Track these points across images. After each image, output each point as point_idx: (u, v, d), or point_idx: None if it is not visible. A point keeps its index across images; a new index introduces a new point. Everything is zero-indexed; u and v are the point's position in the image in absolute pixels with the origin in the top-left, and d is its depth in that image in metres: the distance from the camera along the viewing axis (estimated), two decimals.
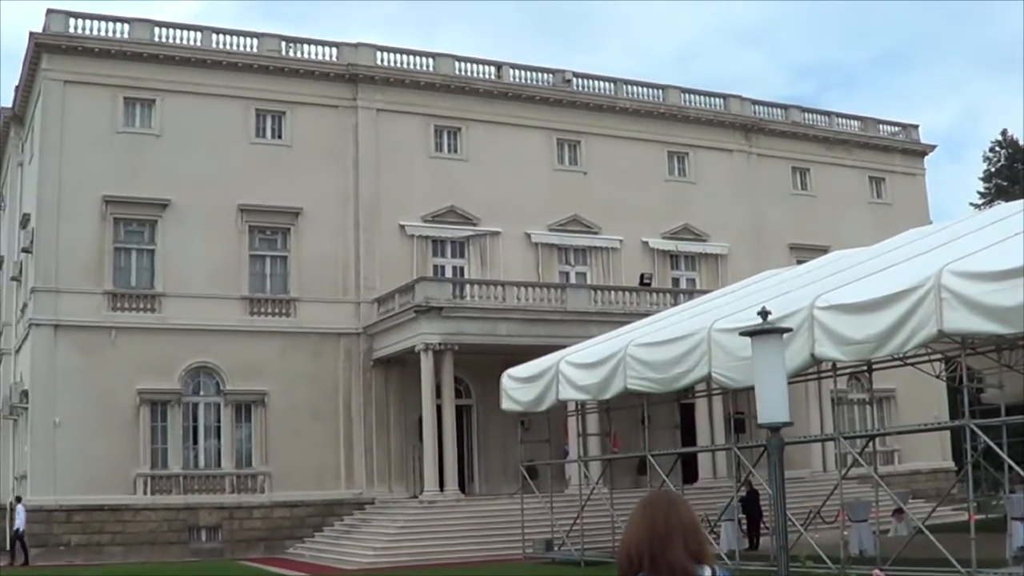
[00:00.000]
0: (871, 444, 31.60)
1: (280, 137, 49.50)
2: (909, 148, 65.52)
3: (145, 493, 44.84)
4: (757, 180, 59.25)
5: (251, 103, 48.91)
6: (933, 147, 66.95)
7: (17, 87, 51.87)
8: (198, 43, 48.75)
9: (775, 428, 11.06)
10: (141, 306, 46.37)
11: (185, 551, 44.36)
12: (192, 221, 46.83)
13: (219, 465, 46.53)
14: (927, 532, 25.44)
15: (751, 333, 11.43)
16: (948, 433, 51.94)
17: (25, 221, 48.33)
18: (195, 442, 46.61)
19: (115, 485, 44.19)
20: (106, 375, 44.59)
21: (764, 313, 11.50)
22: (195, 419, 46.72)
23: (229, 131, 48.25)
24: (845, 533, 30.34)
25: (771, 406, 10.98)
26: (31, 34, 46.74)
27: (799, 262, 46.26)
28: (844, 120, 64.71)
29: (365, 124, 50.59)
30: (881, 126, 65.93)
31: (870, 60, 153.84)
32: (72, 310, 44.86)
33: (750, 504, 36.55)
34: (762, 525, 36.07)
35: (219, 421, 46.84)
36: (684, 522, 5.24)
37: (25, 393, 46.35)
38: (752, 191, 58.76)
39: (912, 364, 32.46)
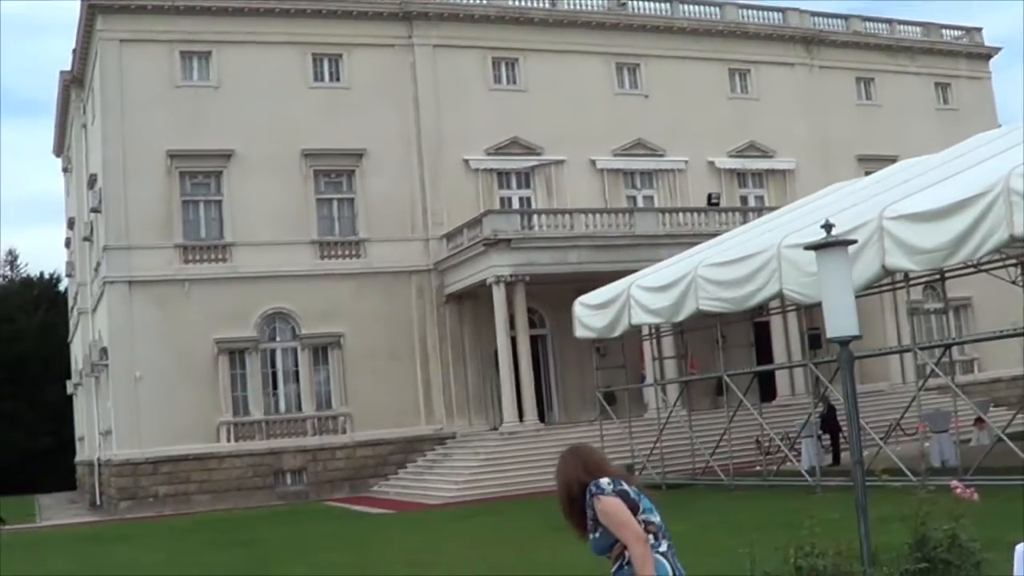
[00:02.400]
0: (948, 354, 31.29)
1: (338, 80, 49.47)
2: (973, 52, 64.57)
3: (228, 440, 45.40)
4: (821, 93, 58.61)
5: (307, 48, 48.89)
6: (998, 49, 65.90)
7: (74, 50, 52.22)
8: None
9: (844, 342, 10.96)
10: (212, 257, 46.75)
11: (271, 495, 44.91)
12: (256, 169, 47.06)
13: (300, 409, 46.99)
14: (1008, 441, 25.27)
15: (815, 247, 11.31)
16: None
17: (92, 181, 48.72)
18: (275, 387, 47.08)
19: (199, 434, 44.79)
20: (183, 327, 45.04)
21: (828, 226, 11.38)
22: (273, 365, 47.15)
23: (287, 78, 48.31)
24: (926, 444, 30.22)
25: (839, 320, 10.87)
26: None
27: (867, 174, 45.75)
28: (906, 27, 63.72)
29: (422, 61, 50.46)
30: (944, 31, 64.94)
31: None
32: (145, 265, 45.30)
33: (829, 420, 36.41)
34: (841, 440, 35.97)
35: (297, 365, 47.25)
36: (581, 456, 7.32)
37: (105, 350, 46.96)
38: (816, 104, 58.17)
39: (986, 271, 32.07)
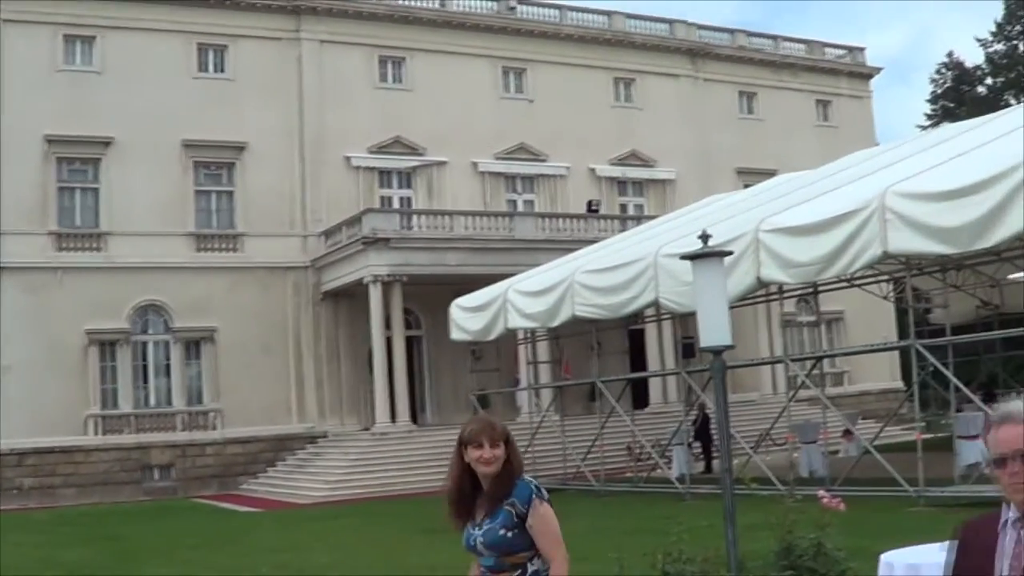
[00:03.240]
0: (820, 366, 31.84)
1: (223, 71, 48.96)
2: (855, 71, 65.57)
3: (96, 434, 44.71)
4: (704, 105, 59.15)
5: (193, 37, 48.28)
6: (879, 69, 67.04)
7: None
8: None
9: (717, 352, 11.06)
10: (87, 245, 46.01)
11: (138, 491, 44.31)
12: (136, 158, 46.37)
13: (170, 403, 46.41)
14: (875, 452, 25.74)
15: (692, 257, 11.41)
16: (897, 354, 52.24)
17: None
18: (145, 381, 46.43)
19: (66, 427, 44.02)
20: (54, 316, 44.25)
21: (704, 236, 11.47)
22: (145, 358, 46.52)
23: (171, 66, 47.65)
24: (795, 455, 30.62)
25: (712, 329, 10.98)
26: None
27: (746, 186, 46.31)
28: (790, 43, 64.59)
29: (309, 56, 50.11)
30: (827, 49, 65.95)
31: None
32: (17, 252, 44.42)
33: (702, 428, 36.73)
34: (712, 448, 36.31)
35: (169, 359, 46.66)
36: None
37: None
38: (699, 116, 58.71)
39: (859, 286, 32.70)
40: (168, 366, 46.59)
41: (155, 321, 46.65)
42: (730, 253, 14.90)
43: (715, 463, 35.24)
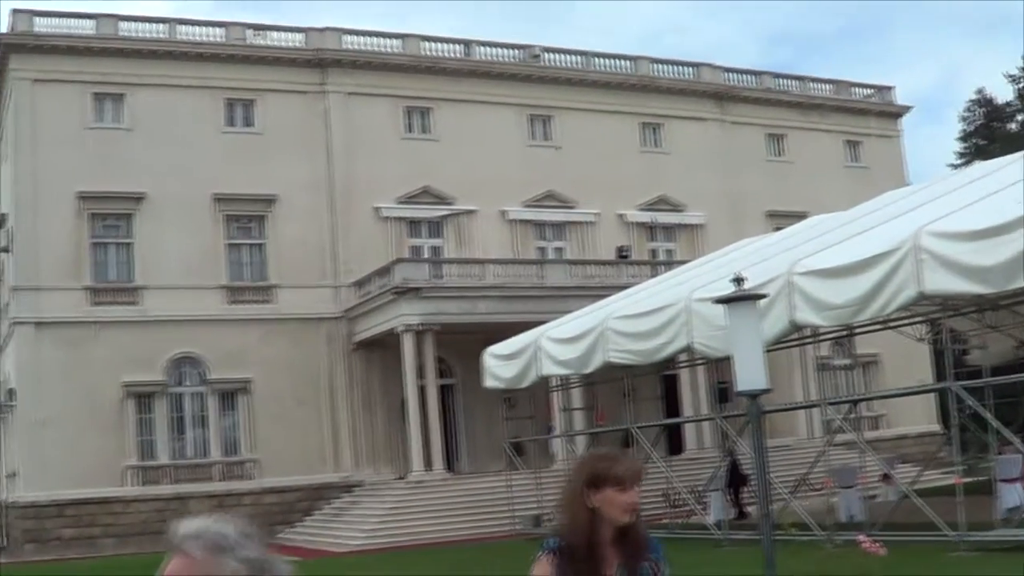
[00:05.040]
0: (856, 409, 31.64)
1: (251, 125, 49.29)
2: (884, 110, 65.42)
3: (134, 484, 44.91)
4: (732, 148, 59.09)
5: (220, 92, 48.67)
6: (908, 108, 66.89)
7: None
8: (164, 35, 48.60)
9: (753, 395, 11.04)
10: (122, 300, 46.29)
11: None
12: (167, 213, 46.68)
13: (207, 454, 46.57)
14: (914, 496, 25.49)
15: (725, 300, 11.40)
16: (935, 396, 51.91)
17: (2, 220, 48.10)
18: (182, 432, 46.60)
19: (105, 478, 44.22)
20: (90, 370, 44.50)
21: (738, 279, 11.47)
22: (181, 409, 46.69)
23: (199, 122, 48.02)
24: (832, 500, 30.44)
25: (748, 373, 10.96)
26: None
27: (777, 229, 46.21)
28: (818, 84, 64.47)
29: (335, 108, 50.38)
30: (855, 89, 65.85)
31: (846, 26, 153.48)
32: (53, 307, 44.79)
33: (732, 474, 36.54)
34: (743, 492, 36.12)
35: (204, 410, 46.83)
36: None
37: (11, 392, 46.34)
38: (727, 160, 58.65)
39: (894, 328, 32.43)
40: (204, 417, 46.74)
41: (190, 373, 46.82)
42: (764, 296, 14.88)
43: (747, 509, 35.10)
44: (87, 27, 47.51)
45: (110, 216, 46.89)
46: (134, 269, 46.74)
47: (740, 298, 11.27)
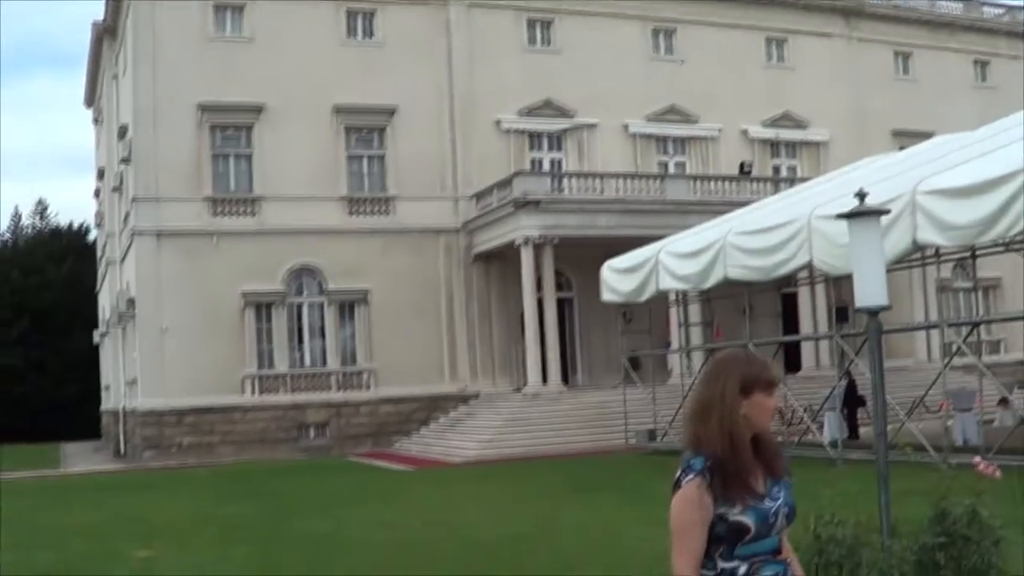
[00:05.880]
0: (976, 333, 31.18)
1: (372, 36, 49.29)
2: (1014, 31, 63.88)
3: (253, 393, 45.64)
4: (858, 65, 58.12)
5: (341, 3, 48.67)
6: None
7: (107, 1, 52.07)
8: None
9: (873, 312, 10.90)
10: (241, 210, 46.79)
11: (294, 448, 45.10)
12: (287, 124, 47.00)
13: (325, 364, 47.16)
14: None
15: (848, 216, 11.25)
16: None
17: (123, 132, 48.73)
18: (300, 342, 47.21)
19: (224, 387, 45.01)
20: (210, 280, 45.18)
21: (862, 195, 11.30)
22: (299, 319, 47.27)
23: (320, 33, 48.14)
24: (948, 423, 30.08)
25: (869, 289, 10.80)
26: None
27: (901, 148, 45.45)
28: (947, 2, 63.05)
29: (457, 19, 50.21)
30: (985, 8, 64.36)
31: None
32: (173, 217, 45.42)
33: (848, 394, 36.21)
34: (859, 413, 35.81)
35: (323, 320, 47.36)
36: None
37: (132, 301, 47.12)
38: (853, 77, 57.73)
39: (1017, 251, 31.86)
40: (323, 327, 47.28)
41: (309, 283, 47.32)
42: (888, 211, 14.63)
43: (862, 431, 34.82)
44: None
45: (230, 127, 47.30)
46: (254, 180, 47.19)
47: (863, 213, 11.11)
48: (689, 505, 4.68)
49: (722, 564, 4.75)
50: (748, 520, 4.72)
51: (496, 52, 50.35)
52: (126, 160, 47.47)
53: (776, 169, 55.23)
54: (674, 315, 41.63)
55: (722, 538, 4.73)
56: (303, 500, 27.72)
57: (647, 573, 9.51)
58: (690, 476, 4.70)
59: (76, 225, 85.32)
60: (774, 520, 4.77)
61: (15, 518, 25.98)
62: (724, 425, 4.75)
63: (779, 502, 4.83)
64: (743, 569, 4.76)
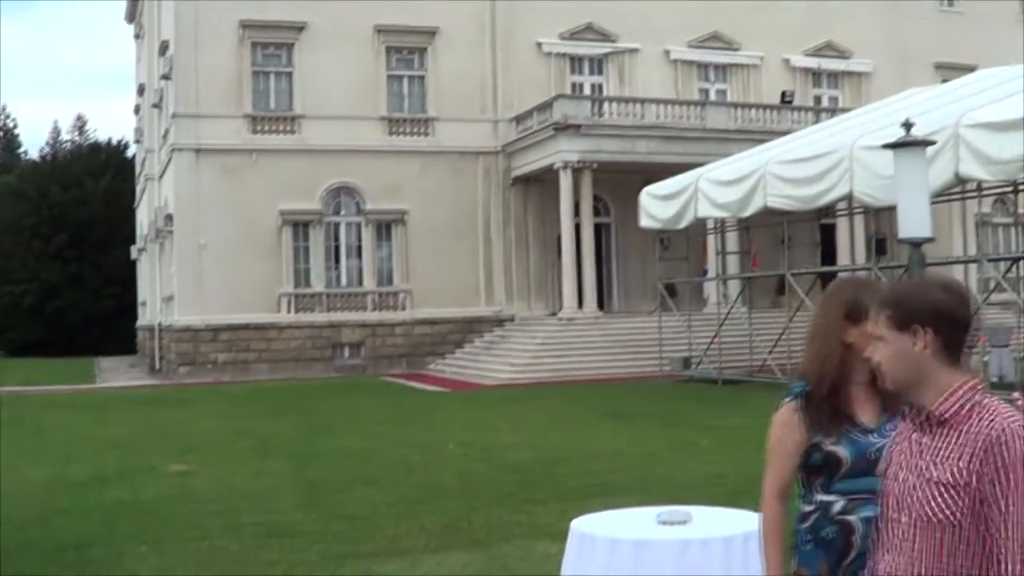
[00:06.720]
0: (1015, 269, 31.00)
1: None
2: None
3: (289, 312, 45.82)
4: None
5: None
6: None
7: None
8: None
9: (916, 244, 10.88)
10: (281, 128, 46.76)
11: (329, 367, 45.32)
12: (328, 43, 46.82)
13: (361, 283, 47.28)
14: None
15: (894, 146, 11.20)
16: None
17: (163, 48, 48.63)
18: (337, 261, 47.32)
19: (260, 304, 45.19)
20: (248, 197, 45.24)
21: (908, 125, 11.24)
22: (337, 239, 47.35)
23: None
24: (985, 359, 30.01)
25: (912, 221, 10.80)
26: None
27: (944, 81, 45.04)
28: None
29: None
30: None
31: None
32: (213, 134, 45.42)
33: None
34: None
35: (360, 240, 47.41)
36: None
37: (170, 217, 47.26)
38: (897, 8, 56.94)
39: None
40: (360, 247, 47.35)
41: (347, 203, 47.35)
42: (933, 142, 14.56)
43: None
44: None
45: (271, 45, 47.18)
46: (294, 98, 47.12)
47: (909, 144, 11.07)
48: (779, 427, 4.74)
49: (820, 496, 4.71)
50: (843, 452, 4.63)
51: None
52: (166, 76, 47.44)
53: (817, 99, 54.79)
54: (711, 243, 41.55)
55: (819, 468, 4.69)
56: (337, 419, 27.92)
57: (675, 499, 9.60)
58: (787, 399, 4.77)
59: (115, 141, 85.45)
60: (876, 457, 4.30)
61: (51, 432, 26.29)
62: (823, 351, 4.73)
63: (879, 439, 4.54)
64: (839, 505, 4.67)
